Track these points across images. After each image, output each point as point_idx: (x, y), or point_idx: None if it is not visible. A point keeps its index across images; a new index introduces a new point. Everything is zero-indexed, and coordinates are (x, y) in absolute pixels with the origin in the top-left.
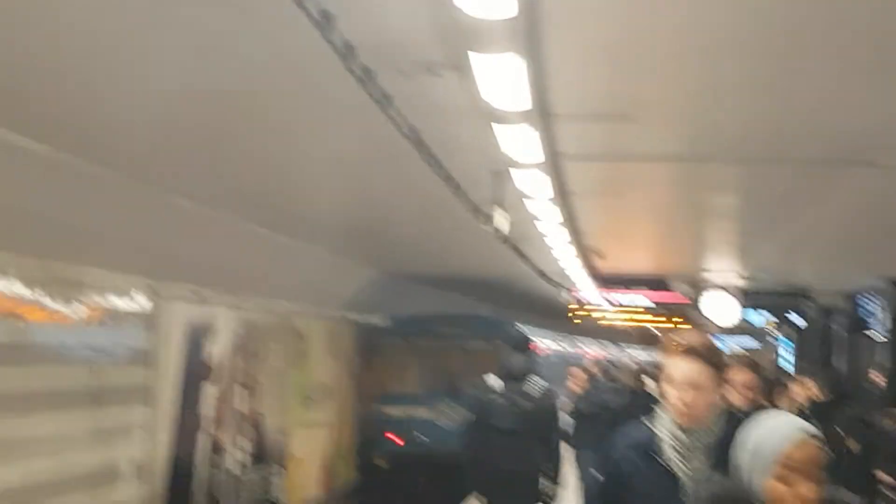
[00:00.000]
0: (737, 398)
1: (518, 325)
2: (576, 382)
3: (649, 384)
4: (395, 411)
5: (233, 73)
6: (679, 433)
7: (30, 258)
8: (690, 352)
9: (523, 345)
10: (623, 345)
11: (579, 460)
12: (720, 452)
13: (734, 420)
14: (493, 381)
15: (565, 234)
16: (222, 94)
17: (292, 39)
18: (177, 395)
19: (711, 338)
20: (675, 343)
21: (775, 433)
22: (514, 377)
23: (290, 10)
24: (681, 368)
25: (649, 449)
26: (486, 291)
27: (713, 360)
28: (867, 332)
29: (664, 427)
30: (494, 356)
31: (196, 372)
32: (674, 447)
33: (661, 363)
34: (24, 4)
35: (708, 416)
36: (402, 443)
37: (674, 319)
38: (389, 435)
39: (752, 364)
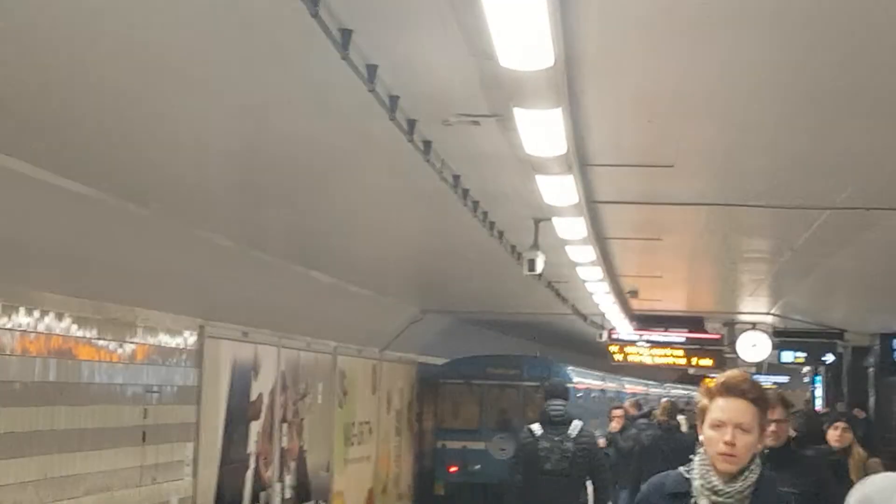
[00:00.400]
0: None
1: (566, 366)
2: (616, 421)
3: (680, 420)
4: (453, 444)
5: (281, 122)
6: (716, 483)
7: (82, 299)
8: (733, 390)
9: (563, 391)
10: (659, 382)
11: (616, 500)
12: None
13: (762, 457)
14: (537, 426)
15: (603, 276)
16: (270, 143)
17: (337, 90)
18: (223, 432)
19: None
20: (716, 381)
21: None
22: (555, 422)
23: (336, 63)
24: (723, 407)
25: (684, 502)
26: (526, 330)
27: (758, 397)
28: None
29: (701, 477)
30: (543, 394)
31: (242, 409)
32: (710, 500)
33: (701, 405)
34: (70, 64)
35: (748, 461)
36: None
37: (707, 357)
38: (449, 466)
39: (781, 400)
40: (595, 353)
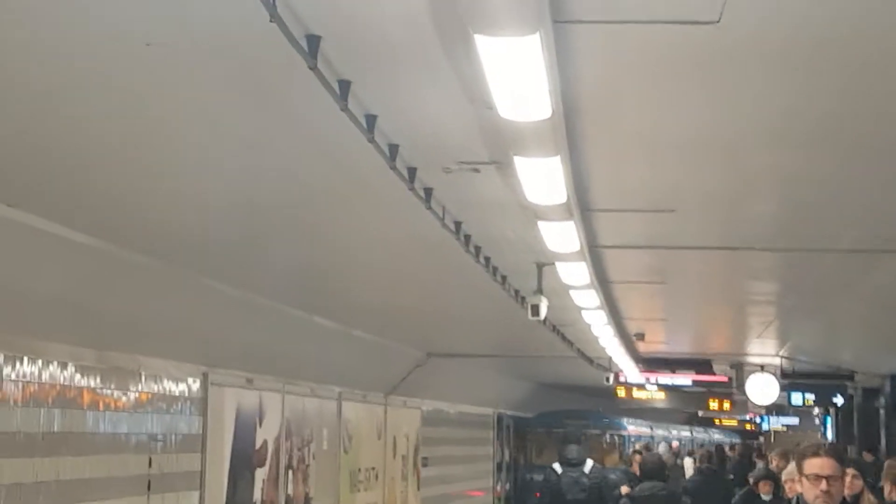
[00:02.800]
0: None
1: (621, 418)
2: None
3: (686, 463)
4: (537, 476)
5: (282, 171)
6: None
7: (85, 348)
8: (825, 451)
9: (577, 439)
10: (672, 425)
11: None
12: None
13: None
14: (558, 466)
15: (608, 320)
16: (272, 192)
17: (337, 140)
18: (228, 480)
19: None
20: (806, 447)
21: None
22: (573, 463)
23: (335, 113)
24: (819, 465)
25: None
26: (534, 373)
27: (840, 455)
28: None
29: None
30: (600, 438)
31: (247, 456)
32: None
33: (797, 466)
34: (74, 119)
35: None
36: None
37: (716, 400)
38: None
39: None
40: (602, 396)
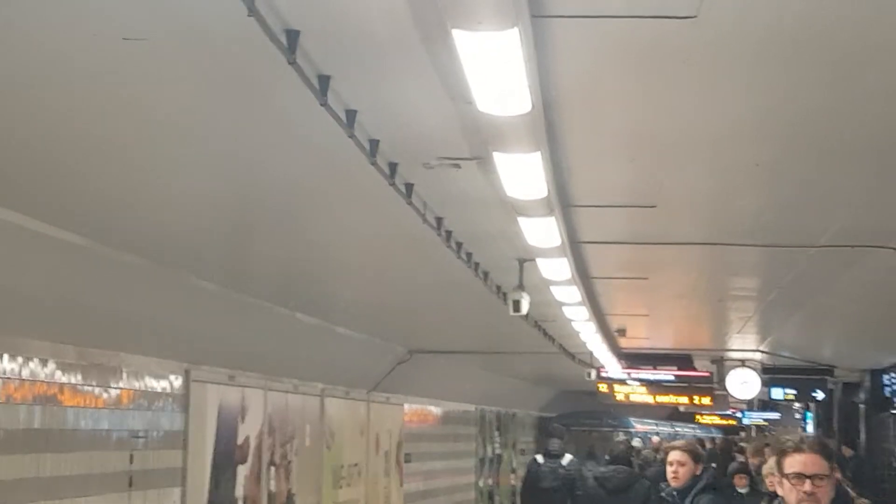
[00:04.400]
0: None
1: (629, 416)
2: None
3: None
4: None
5: (263, 167)
6: None
7: (66, 345)
8: (809, 445)
9: (560, 433)
10: (677, 423)
11: None
12: None
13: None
14: (540, 457)
15: (589, 316)
16: (253, 188)
17: (318, 135)
18: (210, 476)
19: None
20: (786, 441)
21: None
22: (554, 455)
23: (315, 108)
24: (801, 462)
25: None
26: (514, 369)
27: (827, 451)
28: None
29: None
30: (612, 436)
31: (229, 452)
32: None
33: (776, 464)
34: (58, 117)
35: None
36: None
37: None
38: None
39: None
40: (586, 393)
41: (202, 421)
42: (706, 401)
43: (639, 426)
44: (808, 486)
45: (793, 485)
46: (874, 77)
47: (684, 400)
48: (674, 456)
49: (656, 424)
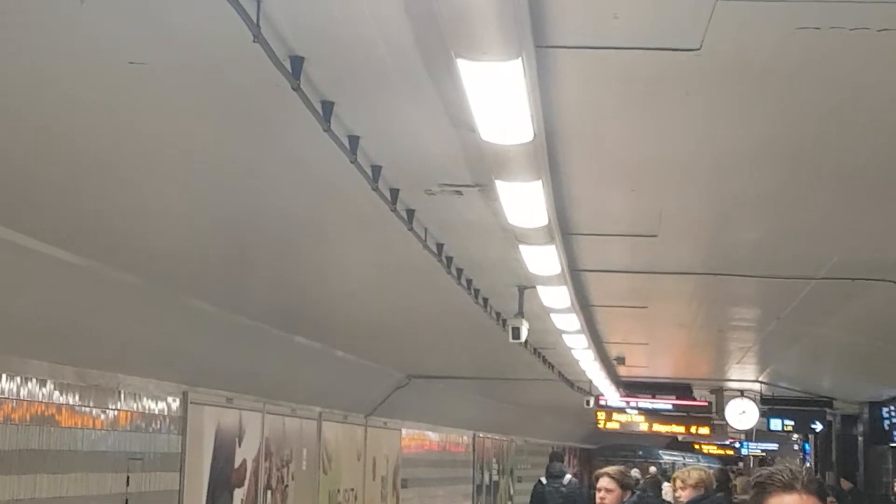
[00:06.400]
0: None
1: (659, 449)
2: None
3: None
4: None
5: (265, 191)
6: None
7: (65, 366)
8: (802, 484)
9: (561, 457)
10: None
11: None
12: None
13: None
14: (544, 479)
15: (588, 344)
16: (254, 212)
17: (320, 160)
18: (207, 499)
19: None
20: (770, 477)
21: None
22: (555, 476)
23: (318, 134)
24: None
25: None
26: (514, 396)
27: (822, 491)
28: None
29: None
30: (648, 465)
31: (225, 475)
32: None
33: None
34: (58, 136)
35: None
36: None
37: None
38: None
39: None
40: (583, 422)
41: (199, 443)
42: (704, 430)
43: (666, 457)
44: None
45: None
46: (873, 109)
47: (682, 429)
48: (602, 483)
49: (683, 456)
